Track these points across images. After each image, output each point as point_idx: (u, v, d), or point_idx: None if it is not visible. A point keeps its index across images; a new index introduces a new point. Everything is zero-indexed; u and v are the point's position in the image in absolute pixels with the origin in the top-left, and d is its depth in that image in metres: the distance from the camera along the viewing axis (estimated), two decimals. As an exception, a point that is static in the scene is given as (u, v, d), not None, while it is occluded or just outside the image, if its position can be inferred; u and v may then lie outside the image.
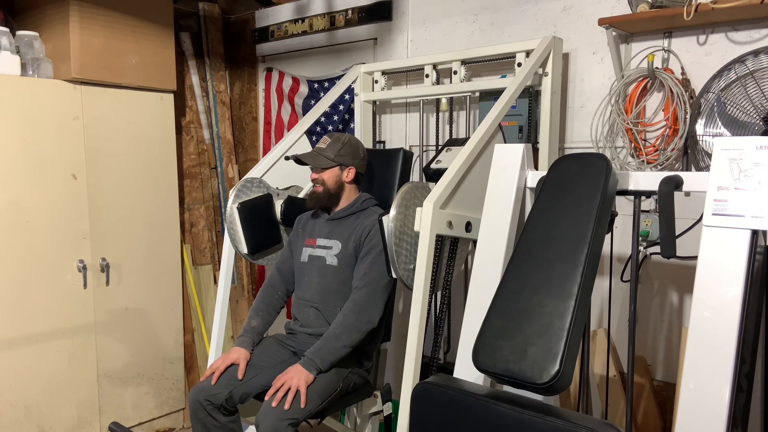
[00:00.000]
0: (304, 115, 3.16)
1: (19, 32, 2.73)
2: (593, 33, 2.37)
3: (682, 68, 2.18)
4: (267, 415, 1.89)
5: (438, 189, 1.85)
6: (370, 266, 2.11)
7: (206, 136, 3.67)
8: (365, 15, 3.05)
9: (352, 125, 3.04)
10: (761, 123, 1.91)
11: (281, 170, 2.62)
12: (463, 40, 2.77)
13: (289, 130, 3.45)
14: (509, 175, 1.74)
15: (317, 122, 3.07)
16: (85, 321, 2.94)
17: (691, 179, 1.49)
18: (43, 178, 2.75)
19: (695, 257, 1.37)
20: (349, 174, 2.25)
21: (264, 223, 2.51)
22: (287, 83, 3.45)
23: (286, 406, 1.89)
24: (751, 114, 1.93)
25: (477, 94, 2.58)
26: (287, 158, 2.33)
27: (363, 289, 2.10)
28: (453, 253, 2.09)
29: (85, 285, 2.93)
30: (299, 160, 2.24)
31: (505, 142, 2.04)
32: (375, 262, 2.11)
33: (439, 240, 2.00)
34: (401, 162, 2.45)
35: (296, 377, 1.94)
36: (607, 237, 1.59)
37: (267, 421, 1.88)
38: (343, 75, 2.97)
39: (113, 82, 2.94)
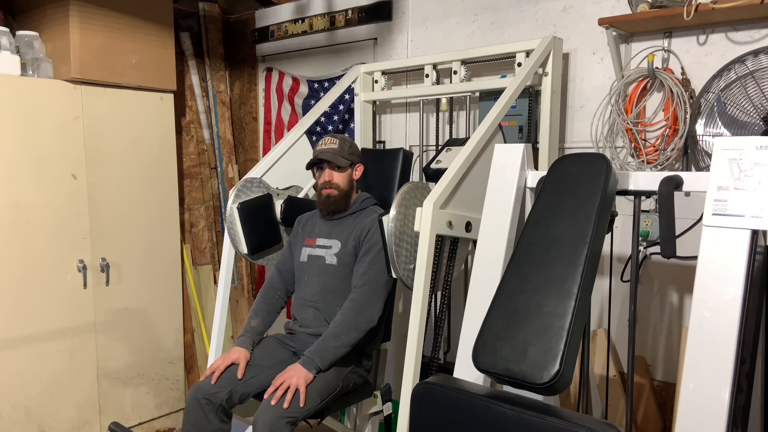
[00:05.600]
0: (304, 115, 3.16)
1: (19, 32, 2.73)
2: (593, 33, 2.37)
3: (682, 68, 2.18)
4: (265, 412, 1.88)
5: (438, 189, 1.85)
6: (369, 265, 2.11)
7: (206, 136, 3.67)
8: (365, 15, 3.06)
9: (352, 125, 3.04)
10: (761, 123, 1.91)
11: (281, 170, 2.62)
12: (463, 40, 2.77)
13: (289, 130, 3.45)
14: (509, 175, 1.74)
15: (317, 122, 3.07)
16: (85, 321, 2.95)
17: (691, 179, 1.49)
18: (43, 178, 2.75)
19: (695, 257, 1.37)
20: (357, 172, 2.26)
21: (264, 223, 2.51)
22: (287, 83, 3.45)
23: (285, 405, 1.88)
24: (751, 114, 1.93)
25: (477, 94, 2.58)
26: (308, 167, 2.26)
27: (362, 287, 2.09)
28: (453, 253, 2.09)
29: (85, 285, 2.93)
30: (319, 159, 2.19)
31: (505, 142, 2.04)
32: (374, 260, 2.11)
33: (439, 240, 2.00)
34: (401, 162, 2.45)
35: (296, 376, 1.94)
36: (607, 237, 1.59)
37: (264, 418, 1.87)
38: (343, 75, 2.97)
39: (113, 82, 2.94)
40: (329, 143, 2.23)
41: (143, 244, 3.16)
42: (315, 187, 2.38)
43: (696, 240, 1.42)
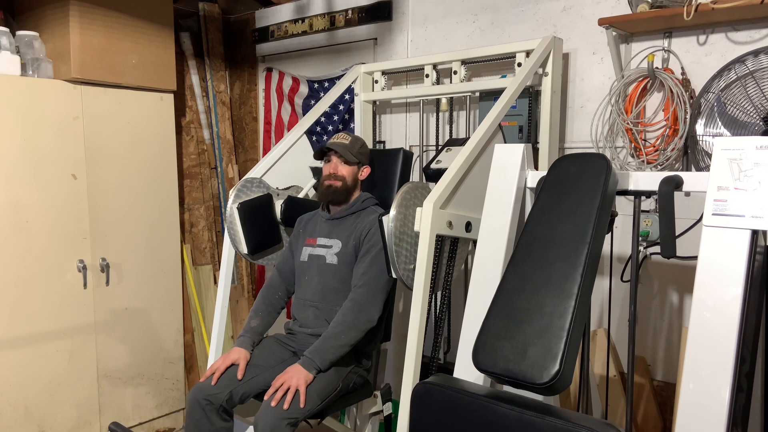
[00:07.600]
0: (304, 115, 3.16)
1: (19, 32, 2.73)
2: (593, 33, 2.37)
3: (682, 68, 2.18)
4: (266, 414, 1.89)
5: (438, 189, 1.85)
6: (369, 265, 2.11)
7: (206, 136, 3.67)
8: (365, 15, 3.05)
9: (352, 125, 3.04)
10: (761, 123, 1.91)
11: (281, 170, 2.62)
12: (463, 40, 2.77)
13: (289, 130, 3.45)
14: (509, 175, 1.74)
15: (317, 122, 3.07)
16: (85, 321, 2.94)
17: (691, 179, 1.49)
18: (43, 178, 2.75)
19: (695, 257, 1.37)
20: (363, 173, 2.28)
21: (264, 223, 2.51)
22: (287, 83, 3.45)
23: (286, 406, 1.88)
24: (751, 114, 1.93)
25: (477, 94, 2.58)
26: (315, 156, 2.31)
27: (362, 288, 2.09)
28: (453, 253, 2.09)
29: (85, 285, 2.93)
30: (326, 149, 2.24)
31: (505, 142, 2.04)
32: (374, 260, 2.11)
33: (439, 240, 2.00)
34: (401, 162, 2.45)
35: (296, 377, 1.94)
36: (607, 237, 1.59)
37: (265, 420, 1.87)
38: (343, 75, 2.96)
39: (113, 82, 2.94)
40: (341, 138, 2.28)
41: (143, 244, 3.16)
42: (315, 186, 2.39)
43: (696, 240, 1.42)
